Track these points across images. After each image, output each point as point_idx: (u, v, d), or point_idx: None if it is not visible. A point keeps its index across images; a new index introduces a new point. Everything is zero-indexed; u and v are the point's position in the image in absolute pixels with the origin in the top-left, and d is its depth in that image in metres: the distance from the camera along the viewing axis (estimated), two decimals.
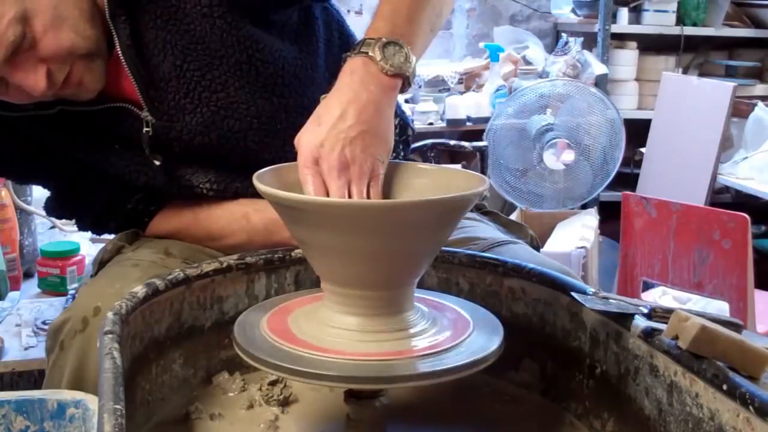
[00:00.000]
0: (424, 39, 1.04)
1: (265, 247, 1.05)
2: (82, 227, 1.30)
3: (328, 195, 0.87)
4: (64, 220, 2.26)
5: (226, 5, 1.10)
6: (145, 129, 1.12)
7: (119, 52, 1.09)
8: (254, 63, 1.12)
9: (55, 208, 1.28)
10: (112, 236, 1.25)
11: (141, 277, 1.03)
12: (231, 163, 1.15)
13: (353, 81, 0.93)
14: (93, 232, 1.30)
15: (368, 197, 0.88)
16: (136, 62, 1.09)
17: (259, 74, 1.13)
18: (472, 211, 1.31)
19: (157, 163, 1.14)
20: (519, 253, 1.13)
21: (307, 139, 0.89)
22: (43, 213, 2.22)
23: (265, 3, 1.14)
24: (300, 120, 0.94)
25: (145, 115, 1.12)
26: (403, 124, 1.30)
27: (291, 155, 0.91)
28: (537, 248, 1.28)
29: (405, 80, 0.96)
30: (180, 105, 1.12)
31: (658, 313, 0.81)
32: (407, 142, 1.32)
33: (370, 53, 0.94)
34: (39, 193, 2.23)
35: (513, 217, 3.04)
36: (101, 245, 1.24)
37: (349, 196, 0.87)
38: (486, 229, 1.24)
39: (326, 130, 0.89)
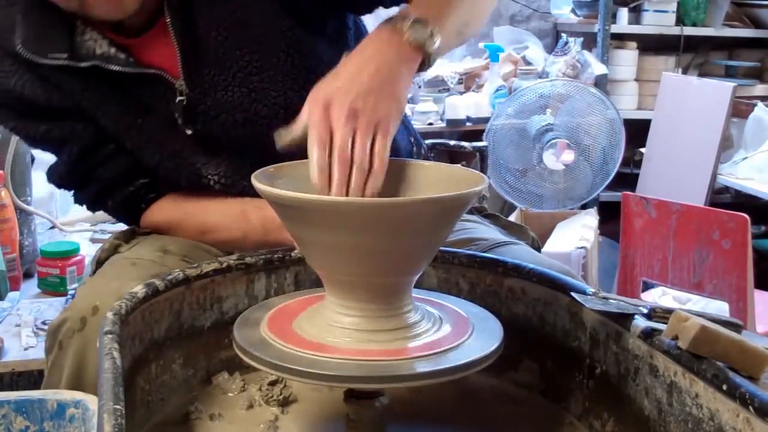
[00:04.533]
0: (449, 37, 1.07)
1: (260, 245, 1.06)
2: (79, 200, 1.28)
3: (331, 140, 0.87)
4: (61, 219, 2.26)
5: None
6: (178, 98, 1.14)
7: (167, 15, 1.11)
8: (292, 54, 1.15)
9: (60, 176, 1.25)
10: (107, 236, 1.24)
11: (139, 276, 1.03)
12: (246, 154, 1.16)
13: (374, 43, 0.97)
14: (88, 208, 1.29)
15: (371, 151, 0.88)
16: (181, 28, 1.12)
17: (294, 66, 1.15)
18: (472, 213, 1.31)
19: (189, 132, 1.15)
20: (520, 254, 1.13)
21: (321, 86, 0.92)
22: (44, 213, 2.22)
23: (311, 8, 1.17)
24: None
25: (180, 84, 1.14)
26: (416, 142, 1.33)
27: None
28: (538, 250, 1.28)
29: (426, 58, 0.99)
30: (214, 80, 1.14)
31: (658, 313, 0.81)
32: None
33: (397, 25, 0.98)
34: (39, 194, 2.23)
35: (513, 217, 3.04)
36: (101, 245, 1.24)
37: (353, 145, 0.87)
38: (487, 231, 1.24)
39: (341, 81, 0.91)
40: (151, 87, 1.15)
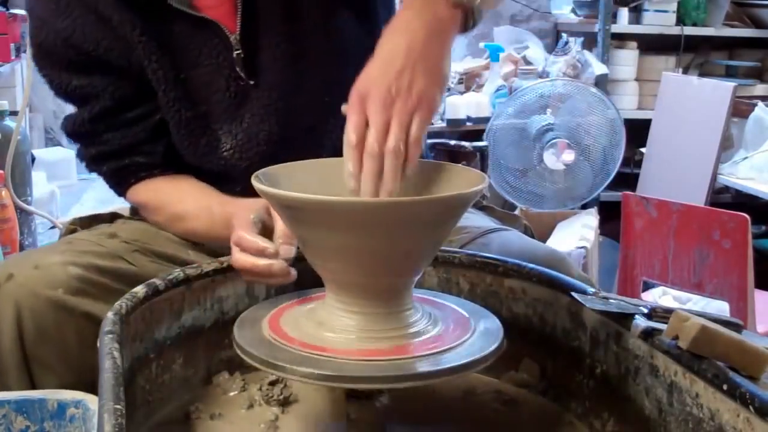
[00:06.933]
0: None
1: (222, 240, 1.02)
2: (81, 155, 1.28)
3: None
4: (61, 219, 2.26)
5: None
6: (236, 51, 1.15)
7: None
8: (329, 32, 1.18)
9: (73, 127, 1.24)
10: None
11: (65, 252, 1.05)
12: (262, 123, 1.18)
13: (404, 15, 0.92)
14: (86, 166, 1.28)
15: (407, 133, 0.85)
16: None
17: (330, 43, 1.18)
18: None
19: (252, 82, 1.17)
20: (509, 238, 1.13)
21: (359, 79, 0.89)
22: (44, 213, 2.22)
23: None
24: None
25: (235, 38, 1.15)
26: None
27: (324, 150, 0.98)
28: (531, 237, 1.28)
29: (468, 15, 0.93)
30: (265, 43, 1.16)
31: (658, 313, 0.82)
32: None
33: None
34: (39, 194, 2.23)
35: None
36: None
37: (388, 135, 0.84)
38: (478, 219, 1.24)
39: (373, 69, 0.88)
40: (204, 38, 1.16)
